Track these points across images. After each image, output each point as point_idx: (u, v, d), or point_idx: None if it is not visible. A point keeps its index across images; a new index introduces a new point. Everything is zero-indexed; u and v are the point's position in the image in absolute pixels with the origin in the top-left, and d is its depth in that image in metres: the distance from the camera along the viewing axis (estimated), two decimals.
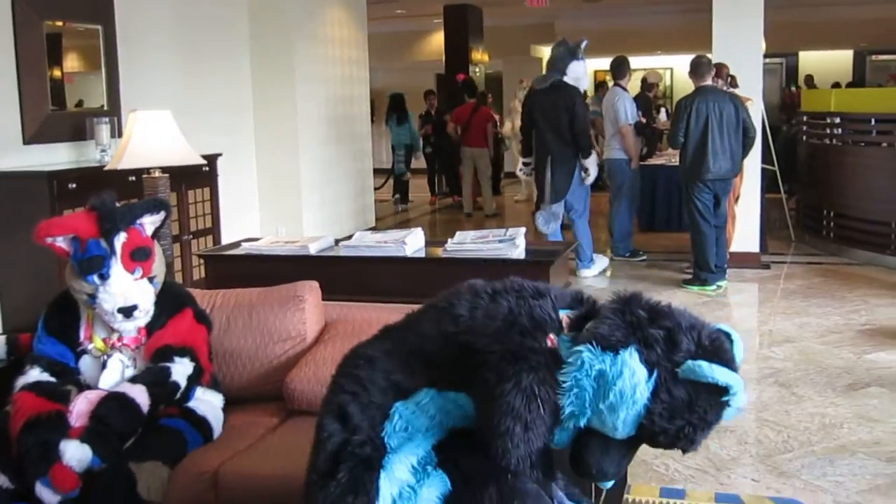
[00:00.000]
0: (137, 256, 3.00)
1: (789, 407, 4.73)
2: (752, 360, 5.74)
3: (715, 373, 1.97)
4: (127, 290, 2.96)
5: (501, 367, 2.06)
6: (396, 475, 2.16)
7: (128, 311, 2.97)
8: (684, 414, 1.98)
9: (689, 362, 1.98)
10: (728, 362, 2.02)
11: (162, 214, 3.15)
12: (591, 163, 7.66)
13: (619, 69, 8.78)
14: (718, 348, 2.05)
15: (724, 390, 1.98)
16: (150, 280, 3.06)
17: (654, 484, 3.80)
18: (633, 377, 1.97)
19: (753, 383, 5.24)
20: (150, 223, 3.11)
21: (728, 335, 2.12)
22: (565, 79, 7.52)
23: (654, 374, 1.98)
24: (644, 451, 4.07)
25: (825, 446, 4.20)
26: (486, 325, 2.15)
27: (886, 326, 6.23)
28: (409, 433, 2.21)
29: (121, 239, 2.97)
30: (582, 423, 2.05)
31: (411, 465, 2.18)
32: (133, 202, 3.22)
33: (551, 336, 2.11)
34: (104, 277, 2.94)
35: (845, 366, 5.40)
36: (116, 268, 2.95)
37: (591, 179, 7.75)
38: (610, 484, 2.26)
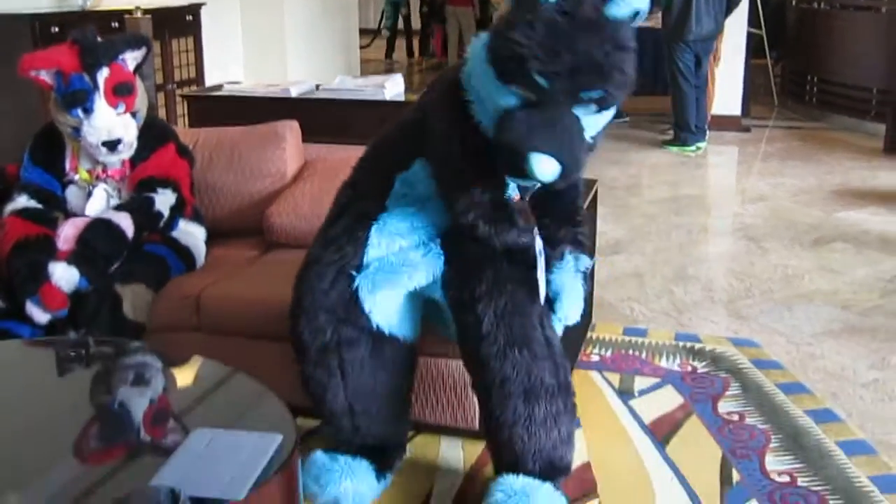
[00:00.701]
0: (120, 91, 3.06)
1: (755, 258, 4.90)
2: (725, 217, 5.91)
3: None
4: (111, 125, 3.04)
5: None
6: (388, 229, 2.40)
7: (112, 145, 3.05)
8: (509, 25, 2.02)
9: None
10: None
11: (143, 50, 3.20)
12: None
13: None
14: None
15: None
16: (133, 115, 3.13)
17: (619, 324, 3.99)
18: (476, 42, 2.14)
19: (723, 236, 5.42)
20: (131, 59, 3.15)
21: None
22: None
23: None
24: (610, 294, 4.28)
25: (785, 294, 4.38)
26: None
27: (858, 188, 6.37)
28: (408, 200, 2.41)
29: (103, 74, 3.03)
30: (489, 124, 2.12)
31: (407, 227, 2.41)
32: (114, 38, 3.26)
33: None
34: (88, 112, 3.01)
35: (813, 223, 5.55)
36: (100, 102, 3.02)
37: None
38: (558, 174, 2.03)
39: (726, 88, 8.15)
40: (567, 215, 2.50)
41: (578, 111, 2.03)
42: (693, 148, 7.49)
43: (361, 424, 2.50)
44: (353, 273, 2.40)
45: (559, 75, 1.95)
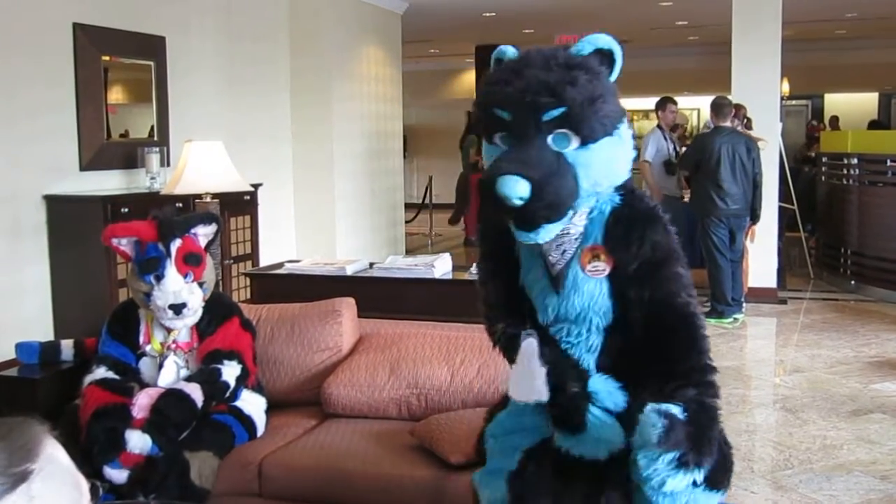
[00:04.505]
0: (190, 261, 3.37)
1: (793, 429, 5.00)
2: (763, 388, 6.02)
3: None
4: (178, 290, 3.32)
5: None
6: None
7: (178, 309, 3.32)
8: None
9: None
10: None
11: (214, 226, 3.53)
12: None
13: (657, 107, 9.07)
14: None
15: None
16: (200, 285, 3.42)
17: None
18: None
19: (762, 407, 5.52)
20: (203, 234, 3.49)
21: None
22: None
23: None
24: None
25: (824, 464, 4.47)
26: None
27: (893, 359, 6.48)
28: None
29: (176, 244, 3.36)
30: None
31: None
32: (188, 214, 3.61)
33: None
34: (159, 278, 3.31)
35: (851, 394, 5.65)
36: (170, 269, 3.32)
37: None
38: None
39: (762, 261, 8.39)
40: (663, 370, 2.15)
41: (556, 144, 2.01)
42: (730, 320, 7.66)
43: None
44: None
45: (514, 101, 1.99)
